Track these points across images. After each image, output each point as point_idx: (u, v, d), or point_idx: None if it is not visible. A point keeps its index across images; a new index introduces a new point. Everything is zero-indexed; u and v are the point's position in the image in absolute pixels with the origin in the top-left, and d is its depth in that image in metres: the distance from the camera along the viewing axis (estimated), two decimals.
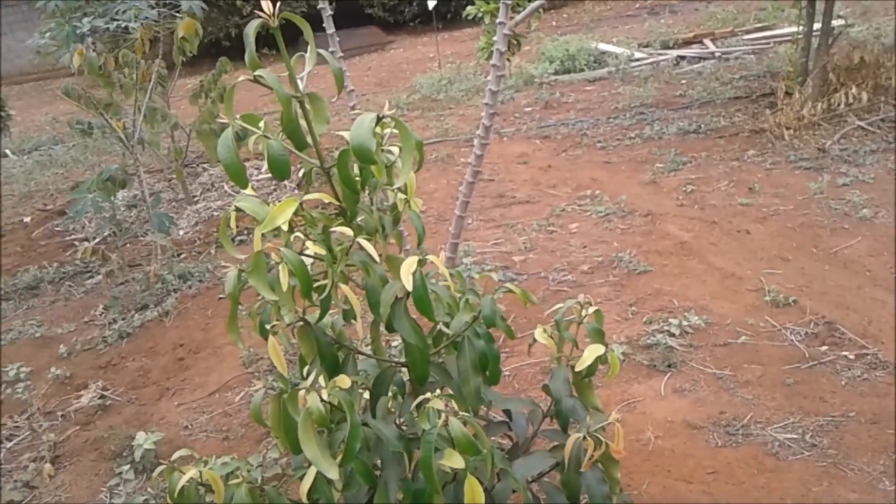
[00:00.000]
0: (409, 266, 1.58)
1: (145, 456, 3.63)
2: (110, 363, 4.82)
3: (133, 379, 4.62)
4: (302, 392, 1.58)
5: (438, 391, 1.63)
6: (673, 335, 3.99)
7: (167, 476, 1.93)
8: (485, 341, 1.89)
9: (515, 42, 7.95)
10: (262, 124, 1.67)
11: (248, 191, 1.65)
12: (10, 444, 4.14)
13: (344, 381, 1.66)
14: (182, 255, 6.18)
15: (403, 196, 1.80)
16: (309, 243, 1.56)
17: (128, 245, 6.55)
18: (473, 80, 10.45)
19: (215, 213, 6.82)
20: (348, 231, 1.62)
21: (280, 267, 1.51)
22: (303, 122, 1.66)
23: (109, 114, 5.62)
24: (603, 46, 10.58)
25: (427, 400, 1.59)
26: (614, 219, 5.72)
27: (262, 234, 1.57)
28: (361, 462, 1.64)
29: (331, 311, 1.89)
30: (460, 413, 1.54)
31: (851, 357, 3.70)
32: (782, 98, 7.26)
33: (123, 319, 5.24)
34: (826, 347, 3.81)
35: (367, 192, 1.74)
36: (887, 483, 2.91)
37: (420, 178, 7.06)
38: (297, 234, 1.56)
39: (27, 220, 7.70)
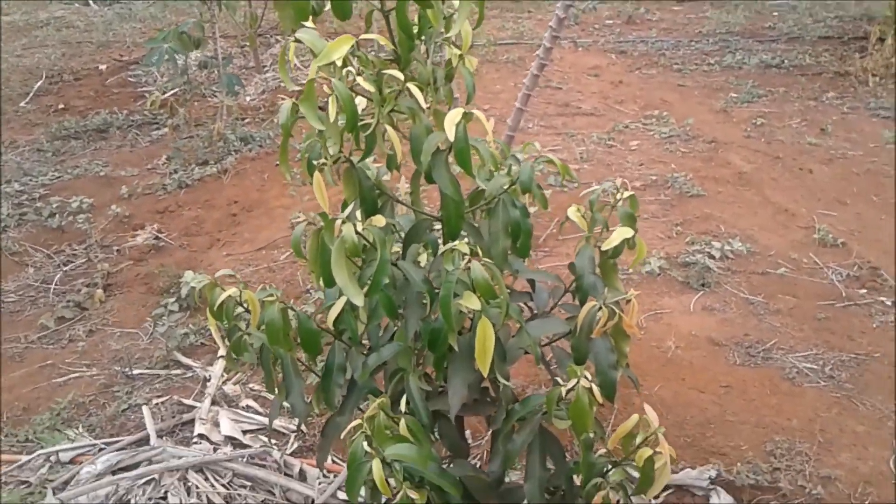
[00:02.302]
0: (453, 117, 1.63)
1: (190, 294, 3.84)
2: (167, 209, 5.03)
3: (187, 226, 4.82)
4: (338, 223, 1.68)
5: (467, 240, 1.71)
6: (713, 257, 4.01)
7: (209, 291, 2.07)
8: (521, 213, 1.95)
9: None
10: None
11: (310, 24, 1.71)
12: (67, 269, 4.40)
13: (379, 220, 1.75)
14: (246, 120, 6.31)
15: (458, 52, 1.84)
16: (360, 78, 1.62)
17: (196, 103, 6.67)
18: None
19: (282, 84, 6.89)
20: (399, 74, 1.67)
21: (330, 99, 1.58)
22: None
23: None
24: None
25: (454, 247, 1.68)
26: (677, 141, 5.65)
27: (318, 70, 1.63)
28: (386, 295, 1.74)
29: (376, 163, 1.98)
30: (483, 259, 1.63)
31: (888, 303, 3.68)
32: (874, 43, 6.96)
33: (184, 171, 5.42)
34: (865, 291, 3.79)
35: (423, 42, 1.79)
36: None
37: (488, 79, 7.02)
38: (350, 69, 1.62)
39: (102, 67, 7.88)
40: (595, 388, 1.67)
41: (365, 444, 1.57)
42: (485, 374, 1.67)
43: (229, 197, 5.07)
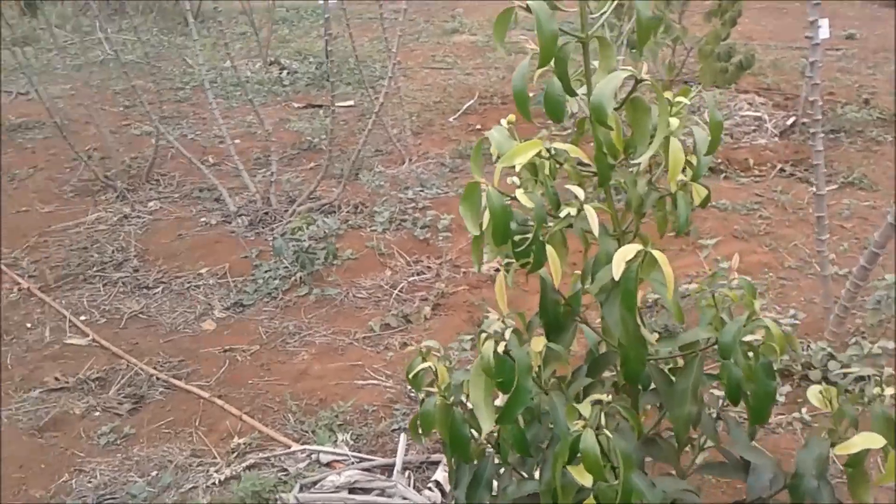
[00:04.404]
0: (624, 253, 1.38)
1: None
2: None
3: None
4: (482, 337, 1.54)
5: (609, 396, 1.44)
6: None
7: (414, 357, 2.06)
8: (761, 371, 1.59)
9: None
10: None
11: (506, 122, 1.58)
12: (415, 279, 4.78)
13: (537, 343, 1.57)
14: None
15: (683, 179, 1.55)
16: (519, 192, 1.46)
17: None
18: None
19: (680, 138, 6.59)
20: (579, 191, 1.47)
21: (487, 208, 1.46)
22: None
23: None
24: None
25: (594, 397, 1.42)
26: None
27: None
28: (519, 429, 1.55)
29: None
30: (604, 430, 1.35)
31: None
32: None
33: None
34: None
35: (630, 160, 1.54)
36: None
37: None
38: (515, 179, 1.47)
39: (531, 95, 8.36)
40: None
41: None
42: None
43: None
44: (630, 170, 1.59)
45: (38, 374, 3.96)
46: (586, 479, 1.36)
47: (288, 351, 4.11)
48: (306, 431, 3.44)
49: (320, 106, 8.37)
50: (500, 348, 1.53)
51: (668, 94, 1.56)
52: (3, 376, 3.92)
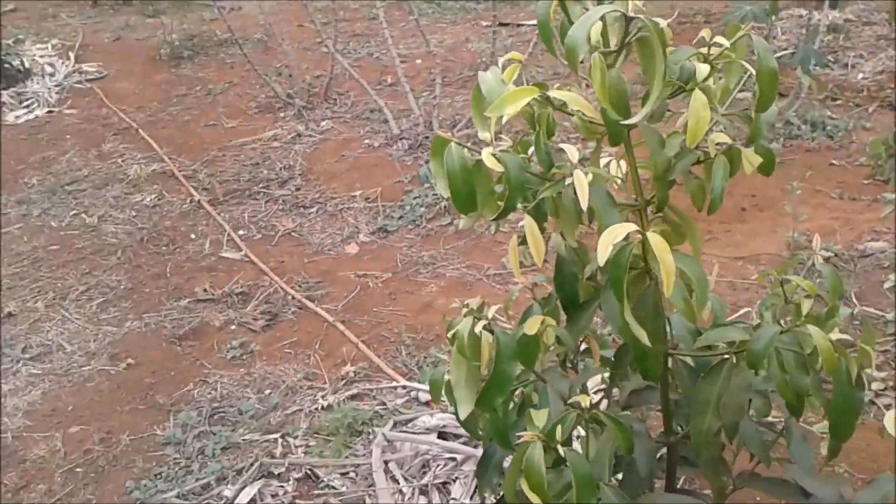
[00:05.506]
0: (612, 234, 1.11)
1: None
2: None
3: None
4: (464, 310, 1.34)
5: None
6: None
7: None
8: (842, 382, 1.27)
9: None
10: None
11: (503, 60, 1.32)
12: None
13: (531, 325, 1.34)
14: (837, 102, 5.40)
15: (727, 141, 1.22)
16: (486, 151, 1.20)
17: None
18: None
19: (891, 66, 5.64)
20: (572, 151, 1.19)
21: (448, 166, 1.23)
22: None
23: None
24: None
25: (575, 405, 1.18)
26: None
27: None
28: (497, 419, 1.35)
29: None
30: (554, 444, 1.11)
31: None
32: None
33: None
34: None
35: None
36: None
37: None
38: (487, 133, 1.21)
39: None
40: None
41: None
42: None
43: (750, 188, 4.48)
44: (653, 125, 1.28)
45: (192, 283, 4.21)
46: (535, 498, 1.15)
47: (418, 281, 4.07)
48: (414, 367, 3.39)
49: (508, 24, 8.08)
50: (479, 327, 1.32)
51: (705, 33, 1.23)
52: (160, 284, 4.21)
